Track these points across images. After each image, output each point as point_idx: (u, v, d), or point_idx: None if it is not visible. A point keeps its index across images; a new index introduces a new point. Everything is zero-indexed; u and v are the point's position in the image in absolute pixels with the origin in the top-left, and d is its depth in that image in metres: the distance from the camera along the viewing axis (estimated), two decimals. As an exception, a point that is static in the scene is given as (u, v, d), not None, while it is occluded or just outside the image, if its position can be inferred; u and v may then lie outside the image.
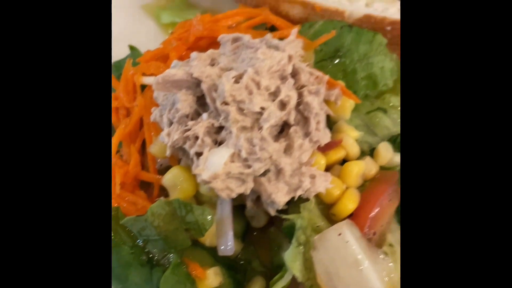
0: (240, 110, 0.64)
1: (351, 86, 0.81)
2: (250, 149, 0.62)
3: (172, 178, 0.70)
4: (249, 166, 0.62)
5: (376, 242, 0.67)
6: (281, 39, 0.77)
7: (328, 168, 0.75)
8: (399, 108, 0.81)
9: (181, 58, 0.79)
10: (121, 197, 0.74)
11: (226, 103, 0.64)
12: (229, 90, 0.63)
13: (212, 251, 0.71)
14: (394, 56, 0.82)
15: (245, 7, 0.92)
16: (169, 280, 0.65)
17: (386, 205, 0.69)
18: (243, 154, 0.61)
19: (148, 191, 0.77)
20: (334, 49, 0.82)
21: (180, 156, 0.70)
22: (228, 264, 0.74)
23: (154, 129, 0.74)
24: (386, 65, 0.81)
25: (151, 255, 0.69)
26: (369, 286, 0.60)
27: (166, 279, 0.65)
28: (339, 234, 0.62)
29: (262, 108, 0.64)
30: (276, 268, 0.72)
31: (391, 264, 0.65)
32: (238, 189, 0.63)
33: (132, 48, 0.90)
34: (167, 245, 0.67)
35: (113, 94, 0.81)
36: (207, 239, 0.70)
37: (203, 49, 0.82)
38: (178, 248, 0.67)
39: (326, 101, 0.76)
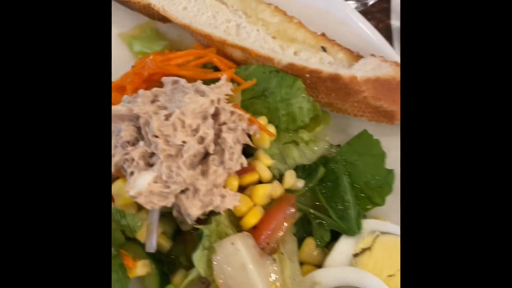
0: (167, 142, 0.80)
1: (274, 121, 0.97)
2: (169, 174, 0.78)
3: (116, 188, 0.87)
4: (168, 187, 0.79)
5: (269, 250, 0.84)
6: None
7: (244, 188, 0.92)
8: (310, 142, 0.97)
9: (136, 89, 0.96)
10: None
11: (156, 136, 0.80)
12: (157, 127, 0.79)
13: (146, 246, 0.88)
14: (310, 98, 0.98)
15: (198, 46, 1.08)
16: (106, 268, 0.82)
17: (281, 222, 0.86)
18: (163, 177, 0.78)
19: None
20: (262, 89, 0.98)
21: (122, 173, 0.87)
22: (159, 258, 0.91)
23: (107, 147, 0.91)
24: (304, 106, 0.97)
25: (96, 247, 0.86)
26: (253, 286, 0.77)
27: (103, 267, 0.82)
28: (232, 243, 0.79)
29: (184, 142, 0.80)
30: (196, 265, 0.89)
31: (277, 268, 0.82)
32: (160, 203, 0.80)
33: (101, 76, 1.06)
34: (106, 241, 0.84)
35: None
36: (141, 236, 0.87)
37: (156, 83, 0.99)
38: (115, 243, 0.84)
39: (249, 134, 0.92)
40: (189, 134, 0.81)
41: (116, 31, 1.21)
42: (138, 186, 0.78)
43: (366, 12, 1.31)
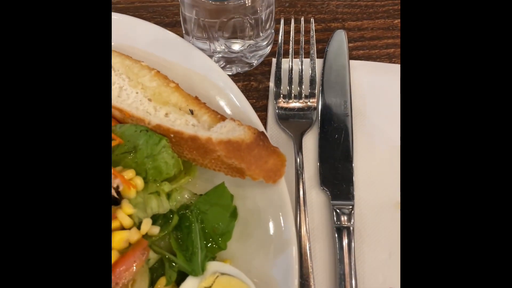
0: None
1: (141, 173, 1.09)
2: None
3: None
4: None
5: (119, 289, 0.95)
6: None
7: (108, 233, 1.03)
8: (173, 192, 1.10)
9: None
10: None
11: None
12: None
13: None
14: (175, 155, 1.10)
15: (85, 104, 1.20)
16: None
17: (131, 264, 0.97)
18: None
19: None
20: (133, 145, 1.10)
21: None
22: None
23: None
24: (169, 161, 1.09)
25: None
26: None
27: None
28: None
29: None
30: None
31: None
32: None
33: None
34: None
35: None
36: None
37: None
38: None
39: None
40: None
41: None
42: None
43: (250, 74, 1.46)
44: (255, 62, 1.45)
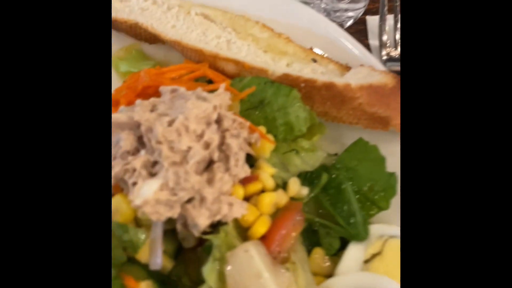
0: (171, 148, 0.74)
1: (271, 131, 0.93)
2: (176, 180, 0.72)
3: (114, 203, 0.78)
4: (175, 194, 0.72)
5: (280, 260, 0.78)
6: (214, 90, 0.89)
7: (248, 198, 0.85)
8: (309, 150, 0.93)
9: (130, 103, 0.89)
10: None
11: (159, 142, 0.74)
12: (161, 132, 0.73)
13: (147, 267, 0.79)
14: (307, 107, 0.95)
15: (189, 62, 1.04)
16: (106, 290, 0.72)
17: (291, 230, 0.80)
18: (171, 184, 0.71)
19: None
20: (259, 100, 0.94)
21: (121, 186, 0.79)
22: (161, 279, 0.82)
23: (102, 162, 0.83)
24: (301, 115, 0.93)
25: (92, 269, 0.76)
26: (269, 294, 0.70)
27: (103, 289, 0.72)
28: (246, 251, 0.72)
29: (189, 147, 0.74)
30: (202, 282, 0.80)
31: (291, 278, 0.75)
32: (166, 213, 0.73)
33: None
34: (106, 260, 0.74)
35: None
36: (142, 256, 0.78)
37: (150, 96, 0.93)
38: (115, 263, 0.75)
39: (249, 143, 0.87)
40: (194, 140, 0.75)
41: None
42: (144, 194, 0.70)
43: (345, 34, 1.32)
44: (349, 22, 1.31)
